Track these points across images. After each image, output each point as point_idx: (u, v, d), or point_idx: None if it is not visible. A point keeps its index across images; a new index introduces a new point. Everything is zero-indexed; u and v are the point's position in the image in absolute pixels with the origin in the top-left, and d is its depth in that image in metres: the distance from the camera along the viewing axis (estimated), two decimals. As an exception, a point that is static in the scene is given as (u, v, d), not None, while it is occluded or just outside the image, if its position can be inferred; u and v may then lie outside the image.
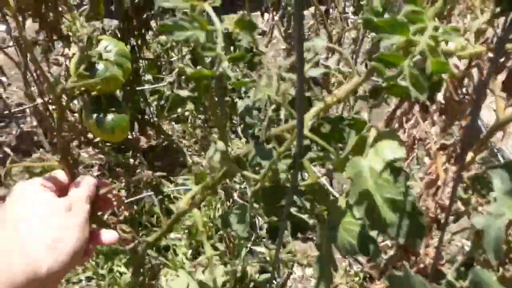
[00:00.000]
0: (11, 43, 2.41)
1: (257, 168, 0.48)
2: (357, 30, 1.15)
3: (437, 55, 0.32)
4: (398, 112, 0.82)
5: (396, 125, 0.96)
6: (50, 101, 1.48)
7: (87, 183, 0.52)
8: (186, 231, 1.47)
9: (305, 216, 0.56)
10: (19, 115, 2.05)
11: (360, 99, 0.43)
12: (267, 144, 0.47)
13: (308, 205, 0.51)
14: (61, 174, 0.52)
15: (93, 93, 0.67)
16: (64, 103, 0.52)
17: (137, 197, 1.27)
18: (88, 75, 0.55)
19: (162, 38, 1.70)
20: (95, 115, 0.65)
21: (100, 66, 0.59)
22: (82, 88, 0.62)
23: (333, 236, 0.45)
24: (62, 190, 0.51)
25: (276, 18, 1.75)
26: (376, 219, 0.40)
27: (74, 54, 0.58)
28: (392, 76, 0.31)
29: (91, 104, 0.67)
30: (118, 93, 1.26)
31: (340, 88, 0.38)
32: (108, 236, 0.55)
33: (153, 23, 1.53)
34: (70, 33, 0.58)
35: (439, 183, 0.70)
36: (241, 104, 0.56)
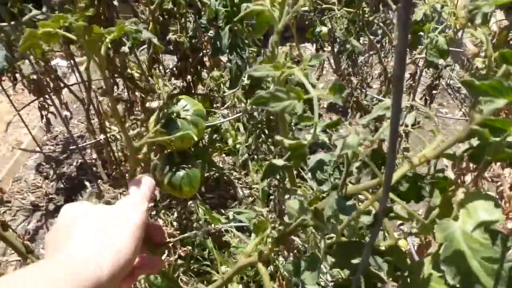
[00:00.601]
0: (72, 78, 2.57)
1: (331, 220, 0.47)
2: (415, 65, 1.13)
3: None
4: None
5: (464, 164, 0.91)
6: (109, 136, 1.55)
7: (145, 184, 0.50)
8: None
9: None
10: (80, 146, 2.15)
11: (446, 158, 0.41)
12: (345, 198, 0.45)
13: (385, 266, 0.49)
14: None
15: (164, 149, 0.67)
16: (139, 157, 0.54)
17: (190, 233, 1.28)
18: (165, 132, 0.56)
19: (215, 73, 1.75)
20: (166, 171, 0.65)
21: (177, 124, 0.59)
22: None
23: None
24: None
25: (326, 49, 1.76)
26: (471, 287, 0.37)
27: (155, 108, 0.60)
28: (498, 141, 0.29)
29: (164, 160, 0.67)
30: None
31: (430, 148, 0.36)
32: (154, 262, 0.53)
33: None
34: (155, 92, 0.59)
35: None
36: (312, 159, 0.54)
